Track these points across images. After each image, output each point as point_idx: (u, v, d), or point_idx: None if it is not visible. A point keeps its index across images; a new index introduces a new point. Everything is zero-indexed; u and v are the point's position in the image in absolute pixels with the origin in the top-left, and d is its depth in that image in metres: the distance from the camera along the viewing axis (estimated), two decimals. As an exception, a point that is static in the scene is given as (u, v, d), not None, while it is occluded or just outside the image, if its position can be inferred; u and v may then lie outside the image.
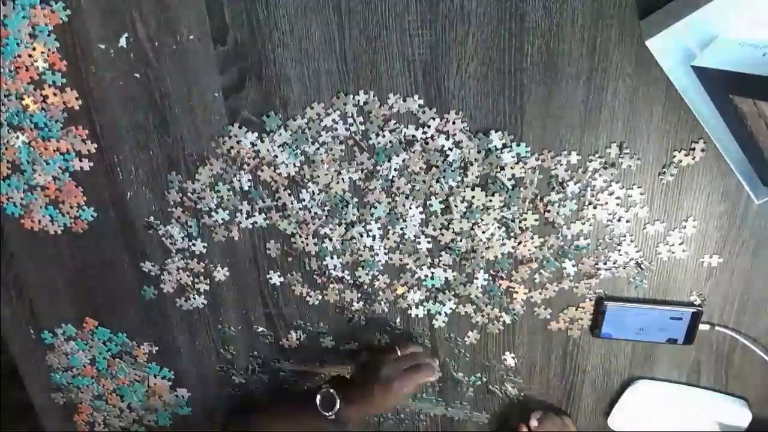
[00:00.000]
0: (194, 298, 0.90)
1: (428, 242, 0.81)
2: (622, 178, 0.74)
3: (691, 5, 0.58)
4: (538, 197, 0.76)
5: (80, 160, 0.81)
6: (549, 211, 0.77)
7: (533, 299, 0.83)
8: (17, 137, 0.79)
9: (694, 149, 0.71)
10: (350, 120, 0.74)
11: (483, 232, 0.79)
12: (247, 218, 0.82)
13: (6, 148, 0.80)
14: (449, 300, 0.85)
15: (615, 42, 0.66)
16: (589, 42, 0.67)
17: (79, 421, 1.06)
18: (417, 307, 0.86)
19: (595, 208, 0.76)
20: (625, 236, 0.78)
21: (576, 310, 0.84)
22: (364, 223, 0.81)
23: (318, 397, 0.78)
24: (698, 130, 0.69)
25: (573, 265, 0.80)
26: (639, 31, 0.65)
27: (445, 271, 0.83)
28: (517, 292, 0.83)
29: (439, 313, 0.86)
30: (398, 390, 0.78)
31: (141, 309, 0.93)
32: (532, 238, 0.79)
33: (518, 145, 0.73)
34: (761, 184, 0.70)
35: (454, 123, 0.73)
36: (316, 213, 0.81)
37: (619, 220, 0.77)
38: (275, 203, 0.81)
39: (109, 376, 1.00)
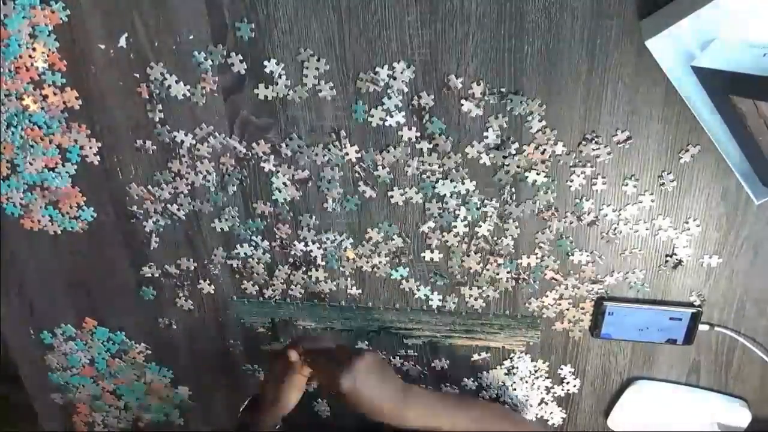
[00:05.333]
0: (194, 298, 0.90)
1: (431, 248, 0.81)
2: (621, 179, 0.74)
3: (691, 5, 0.58)
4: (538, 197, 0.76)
5: (81, 159, 0.81)
6: (549, 211, 0.77)
7: (535, 299, 0.83)
8: (17, 137, 0.79)
9: (693, 149, 0.71)
10: (350, 120, 0.74)
11: (484, 233, 0.79)
12: (247, 217, 0.83)
13: (5, 148, 0.80)
14: (449, 295, 0.85)
15: (615, 42, 0.66)
16: (589, 42, 0.67)
17: (78, 421, 1.07)
18: (418, 290, 0.85)
19: (596, 209, 0.76)
20: (624, 236, 0.78)
21: (576, 310, 0.84)
22: (364, 224, 0.81)
23: None
24: (698, 131, 0.69)
25: (575, 266, 0.80)
26: (639, 31, 0.65)
27: (447, 270, 0.83)
28: (517, 292, 0.83)
29: (440, 299, 0.86)
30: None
31: (140, 309, 0.93)
32: (533, 238, 0.79)
33: (519, 145, 0.73)
34: (761, 184, 0.70)
35: (454, 123, 0.73)
36: (315, 212, 0.81)
37: (619, 220, 0.77)
38: (275, 203, 0.81)
39: (108, 376, 1.00)
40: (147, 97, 0.76)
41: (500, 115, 0.72)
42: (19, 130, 0.79)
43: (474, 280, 0.83)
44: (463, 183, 0.76)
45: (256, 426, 0.73)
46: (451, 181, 0.76)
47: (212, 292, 0.90)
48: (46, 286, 0.92)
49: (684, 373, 0.87)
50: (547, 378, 0.90)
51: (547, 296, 0.83)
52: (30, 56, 0.74)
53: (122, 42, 0.73)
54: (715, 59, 0.59)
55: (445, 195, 0.77)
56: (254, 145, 0.77)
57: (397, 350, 0.91)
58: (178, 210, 0.83)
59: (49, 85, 0.76)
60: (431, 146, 0.74)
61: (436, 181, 0.76)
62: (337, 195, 0.79)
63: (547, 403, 0.93)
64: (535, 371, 0.90)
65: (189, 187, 0.81)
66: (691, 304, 0.81)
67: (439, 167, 0.75)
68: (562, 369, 0.89)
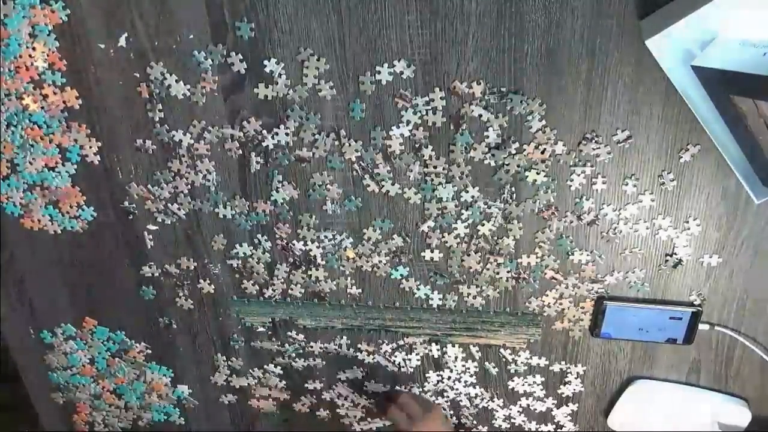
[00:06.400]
0: (194, 298, 0.90)
1: (431, 248, 0.81)
2: (621, 178, 0.74)
3: (691, 5, 0.58)
4: (539, 198, 0.76)
5: (81, 159, 0.81)
6: (549, 211, 0.77)
7: (535, 299, 0.83)
8: (17, 136, 0.79)
9: (693, 149, 0.71)
10: (350, 120, 0.74)
11: (486, 232, 0.79)
12: (247, 216, 0.82)
13: (5, 147, 0.80)
14: (449, 294, 0.85)
15: (615, 41, 0.66)
16: (589, 42, 0.67)
17: (78, 420, 1.07)
18: (418, 289, 0.85)
19: (596, 208, 0.76)
20: (624, 236, 0.78)
21: (576, 309, 0.84)
22: (367, 226, 0.81)
23: None
24: (698, 131, 0.69)
25: (575, 265, 0.80)
26: (639, 31, 0.65)
27: (447, 269, 0.83)
28: (519, 292, 0.83)
29: (440, 299, 0.86)
30: None
31: (140, 308, 0.93)
32: (533, 238, 0.79)
33: (519, 145, 0.73)
34: (761, 184, 0.70)
35: (454, 123, 0.73)
36: (315, 212, 0.81)
37: (619, 220, 0.77)
38: (275, 202, 0.81)
39: (108, 376, 1.00)
40: (147, 96, 0.76)
41: (500, 115, 0.72)
42: (19, 130, 0.79)
43: (474, 279, 0.83)
44: (465, 188, 0.76)
45: None
46: (453, 185, 0.76)
47: (212, 291, 0.90)
48: (46, 286, 0.92)
49: (684, 372, 0.87)
50: (547, 377, 0.90)
51: (547, 295, 0.83)
52: (30, 56, 0.74)
53: (122, 42, 0.73)
54: (715, 59, 0.59)
55: (445, 197, 0.77)
56: (253, 143, 0.77)
57: (397, 349, 0.91)
58: (179, 209, 0.83)
59: (49, 85, 0.76)
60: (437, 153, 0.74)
61: (438, 184, 0.76)
62: (337, 195, 0.79)
63: (545, 402, 0.93)
64: (535, 370, 0.90)
65: (189, 187, 0.81)
66: (691, 304, 0.81)
67: (443, 170, 0.75)
68: (562, 368, 0.89)
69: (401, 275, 0.84)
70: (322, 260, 0.84)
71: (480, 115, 0.72)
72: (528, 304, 0.84)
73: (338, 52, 0.70)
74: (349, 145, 0.75)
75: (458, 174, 0.76)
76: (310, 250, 0.84)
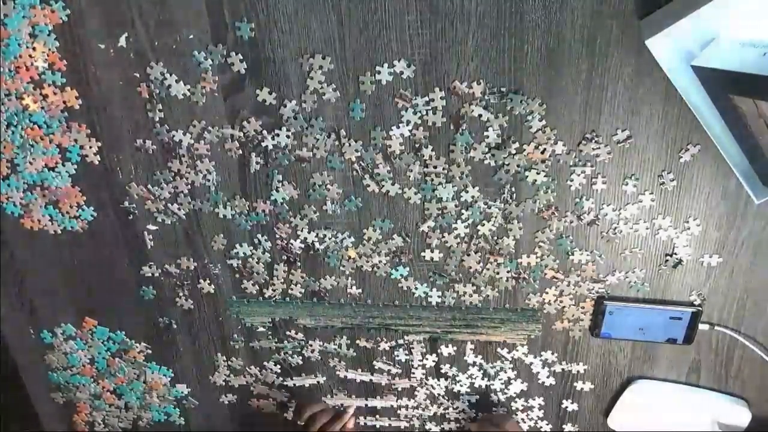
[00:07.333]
0: (194, 298, 0.90)
1: (432, 249, 0.81)
2: (621, 178, 0.74)
3: (691, 5, 0.58)
4: (539, 199, 0.76)
5: (81, 159, 0.81)
6: (549, 211, 0.77)
7: (536, 299, 0.83)
8: (17, 136, 0.79)
9: (693, 149, 0.71)
10: (350, 120, 0.74)
11: (486, 232, 0.79)
12: (247, 216, 0.82)
13: (5, 147, 0.80)
14: (447, 291, 0.85)
15: (615, 42, 0.66)
16: (589, 42, 0.67)
17: (78, 420, 1.07)
18: (416, 288, 0.85)
19: (596, 208, 0.76)
20: (624, 236, 0.78)
21: (576, 309, 0.84)
22: (367, 226, 0.81)
23: None
24: (698, 130, 0.69)
25: (575, 265, 0.80)
26: (639, 31, 0.65)
27: (447, 269, 0.83)
28: (517, 291, 0.83)
29: (439, 297, 0.86)
30: None
31: (140, 308, 0.93)
32: (533, 238, 0.79)
33: (519, 145, 0.73)
34: (761, 184, 0.70)
35: (454, 123, 0.73)
36: (315, 212, 0.81)
37: (619, 220, 0.77)
38: (275, 202, 0.81)
39: (108, 376, 1.00)
40: (147, 96, 0.76)
41: (500, 115, 0.72)
42: (19, 130, 0.79)
43: (474, 279, 0.83)
44: (465, 188, 0.76)
45: None
46: (453, 185, 0.76)
47: (212, 291, 0.90)
48: (46, 286, 0.92)
49: (684, 372, 0.87)
50: (547, 378, 0.91)
51: (546, 293, 0.83)
52: (30, 56, 0.74)
53: (122, 42, 0.73)
54: (715, 59, 0.59)
55: (445, 197, 0.77)
56: (253, 143, 0.77)
57: (398, 347, 0.91)
58: (179, 209, 0.83)
59: (49, 85, 0.76)
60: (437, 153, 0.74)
61: (438, 184, 0.76)
62: (337, 195, 0.79)
63: (545, 401, 0.93)
64: (535, 370, 0.90)
65: (189, 187, 0.81)
66: (691, 304, 0.81)
67: (443, 170, 0.75)
68: (563, 368, 0.89)
69: (401, 275, 0.84)
70: (322, 260, 0.84)
71: (480, 115, 0.72)
72: (527, 303, 0.84)
73: (338, 52, 0.70)
74: (349, 145, 0.75)
75: (458, 174, 0.76)
76: (311, 250, 0.84)
